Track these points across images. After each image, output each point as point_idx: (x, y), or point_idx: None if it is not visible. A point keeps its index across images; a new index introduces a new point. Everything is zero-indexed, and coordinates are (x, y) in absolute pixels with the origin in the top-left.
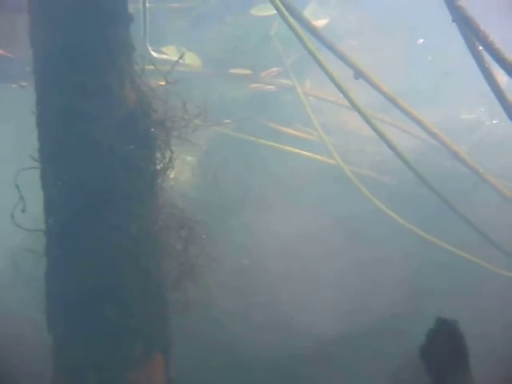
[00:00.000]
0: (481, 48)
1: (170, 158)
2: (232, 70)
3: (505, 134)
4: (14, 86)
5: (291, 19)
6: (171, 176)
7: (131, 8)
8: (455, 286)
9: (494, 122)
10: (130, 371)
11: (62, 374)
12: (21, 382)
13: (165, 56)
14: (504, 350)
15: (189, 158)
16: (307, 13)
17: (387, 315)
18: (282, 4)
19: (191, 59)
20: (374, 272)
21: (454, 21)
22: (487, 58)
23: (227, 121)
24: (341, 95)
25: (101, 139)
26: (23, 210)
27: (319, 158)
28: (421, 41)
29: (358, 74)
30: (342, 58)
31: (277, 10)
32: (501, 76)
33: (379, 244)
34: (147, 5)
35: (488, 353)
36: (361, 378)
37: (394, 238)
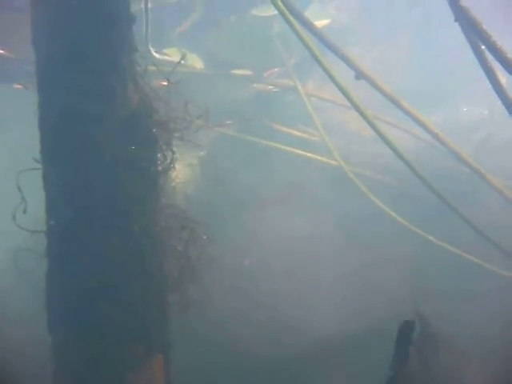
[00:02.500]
0: (483, 47)
1: (172, 159)
2: (234, 71)
3: (508, 135)
4: (16, 86)
5: (292, 19)
6: (173, 177)
7: (133, 9)
8: (456, 287)
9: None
10: (130, 371)
11: (61, 374)
12: (21, 383)
13: (167, 57)
14: (504, 351)
15: (191, 159)
16: (308, 13)
17: (388, 316)
18: (284, 4)
19: (193, 60)
20: (376, 273)
21: (456, 20)
22: (490, 57)
23: (229, 122)
24: (342, 96)
25: (103, 140)
26: (25, 211)
27: (321, 158)
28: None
29: (360, 75)
30: (344, 58)
31: (278, 10)
32: (500, 75)
33: (381, 245)
34: (149, 5)
35: (488, 353)
36: (361, 379)
37: (396, 239)
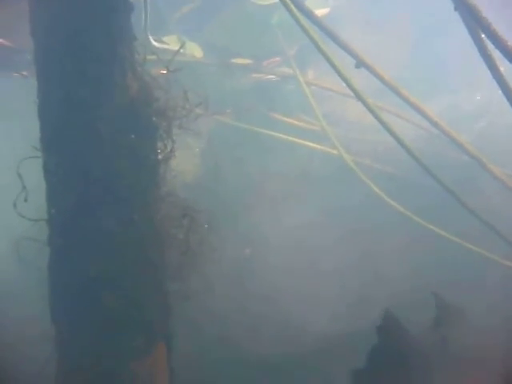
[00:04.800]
0: (483, 36)
1: (172, 147)
2: (234, 60)
3: (508, 123)
4: (15, 74)
5: (293, 8)
6: (173, 165)
7: None
8: (458, 276)
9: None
10: (132, 361)
11: (65, 364)
12: (23, 373)
13: (166, 46)
14: (507, 342)
15: (191, 148)
16: (309, 1)
17: (390, 307)
18: None
19: (192, 49)
20: (377, 263)
21: (456, 9)
22: (490, 46)
23: (229, 110)
24: (343, 84)
25: (102, 128)
26: (26, 200)
27: (321, 147)
28: None
29: (360, 63)
30: (344, 46)
31: None
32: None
33: (382, 234)
34: None
35: (490, 344)
36: (362, 371)
37: (397, 228)
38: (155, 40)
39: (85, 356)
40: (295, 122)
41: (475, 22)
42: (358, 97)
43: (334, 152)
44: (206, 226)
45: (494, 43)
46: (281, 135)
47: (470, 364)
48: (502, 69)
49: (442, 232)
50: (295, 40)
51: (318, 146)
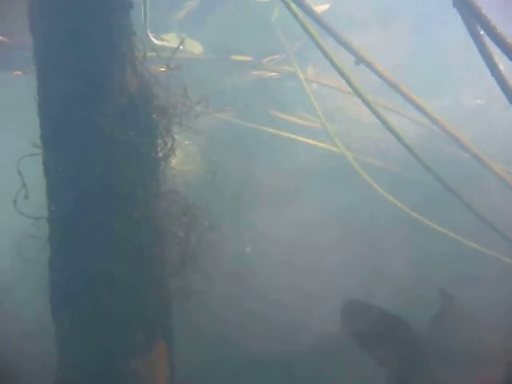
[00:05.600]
0: (482, 33)
1: (172, 145)
2: (233, 57)
3: (508, 121)
4: (15, 73)
5: (292, 4)
6: (173, 163)
7: None
8: (458, 273)
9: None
10: (133, 358)
11: (65, 361)
12: (23, 371)
13: (166, 43)
14: (507, 338)
15: (191, 145)
16: None
17: (389, 306)
18: None
19: (192, 46)
20: (377, 261)
21: (454, 5)
22: (489, 43)
23: (229, 108)
24: (343, 81)
25: (102, 125)
26: (26, 197)
27: (322, 145)
28: None
29: (360, 60)
30: (344, 43)
31: None
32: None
33: (383, 231)
34: None
35: (495, 339)
36: (362, 371)
37: (397, 225)
38: (155, 37)
39: (86, 353)
40: (296, 119)
41: (473, 18)
42: (358, 94)
43: (335, 149)
44: (207, 223)
45: (492, 40)
46: (281, 132)
47: (473, 359)
48: (501, 66)
49: (442, 229)
50: (297, 37)
51: (319, 144)
